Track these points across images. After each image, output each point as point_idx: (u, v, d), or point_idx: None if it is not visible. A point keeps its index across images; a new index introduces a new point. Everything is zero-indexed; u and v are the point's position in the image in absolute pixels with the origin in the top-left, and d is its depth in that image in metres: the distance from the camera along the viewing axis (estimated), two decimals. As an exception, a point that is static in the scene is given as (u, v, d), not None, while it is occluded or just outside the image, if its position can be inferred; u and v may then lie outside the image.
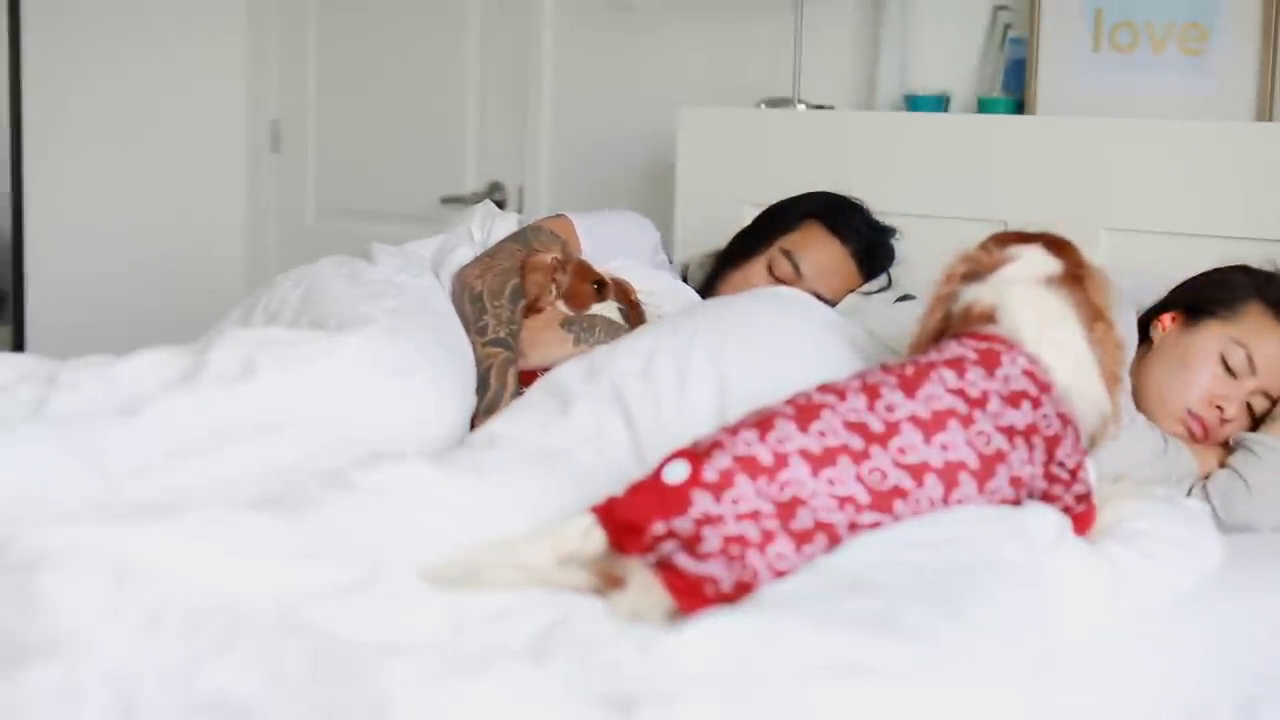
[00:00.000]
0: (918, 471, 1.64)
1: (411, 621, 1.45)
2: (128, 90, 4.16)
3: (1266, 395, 2.24)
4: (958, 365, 1.73)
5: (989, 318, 1.82)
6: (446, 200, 3.96)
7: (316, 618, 1.42)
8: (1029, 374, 1.76)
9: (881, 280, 2.75)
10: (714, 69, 3.53)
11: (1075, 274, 1.87)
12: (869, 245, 2.75)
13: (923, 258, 2.90)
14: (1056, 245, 1.90)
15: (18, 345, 3.93)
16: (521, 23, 3.83)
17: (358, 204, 4.22)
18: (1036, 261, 1.87)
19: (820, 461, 1.60)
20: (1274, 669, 1.78)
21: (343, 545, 1.58)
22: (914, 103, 3.15)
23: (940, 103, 3.14)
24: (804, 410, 1.65)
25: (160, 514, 1.54)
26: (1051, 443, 1.75)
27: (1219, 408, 2.22)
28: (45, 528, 1.47)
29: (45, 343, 3.94)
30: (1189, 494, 2.17)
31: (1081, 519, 1.81)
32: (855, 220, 2.76)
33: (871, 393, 1.68)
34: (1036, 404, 1.74)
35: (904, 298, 2.66)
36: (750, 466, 1.57)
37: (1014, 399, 1.73)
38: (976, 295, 1.86)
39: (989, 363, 1.75)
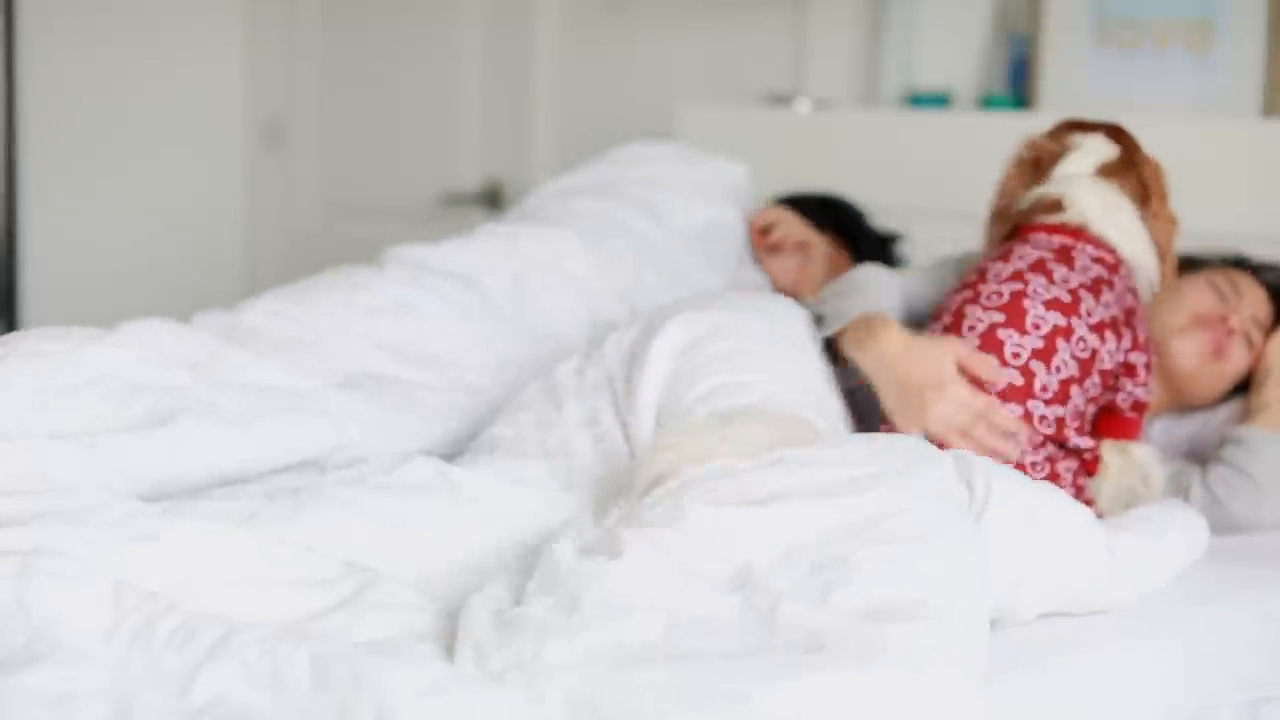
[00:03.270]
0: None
1: (414, 625, 1.43)
2: (124, 87, 4.14)
3: (1260, 325, 2.31)
4: (1042, 269, 1.97)
5: (1056, 206, 2.06)
6: (446, 198, 3.94)
7: (316, 624, 1.41)
8: (1099, 260, 2.01)
9: None
10: (715, 65, 3.52)
11: (1130, 159, 2.10)
12: (873, 251, 2.79)
13: (925, 255, 2.90)
14: (1115, 133, 2.14)
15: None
16: (521, 19, 3.82)
17: (357, 202, 4.21)
18: (1095, 149, 2.11)
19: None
20: (1276, 671, 1.78)
21: (345, 549, 1.57)
22: (916, 100, 3.14)
23: (942, 100, 3.13)
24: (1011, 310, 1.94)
25: (160, 524, 1.52)
26: (1130, 315, 2.01)
27: (1222, 319, 2.29)
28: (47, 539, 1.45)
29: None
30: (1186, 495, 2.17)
31: (1130, 426, 2.02)
32: (861, 227, 2.82)
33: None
34: (1110, 285, 2.00)
35: None
36: None
37: (1095, 287, 1.97)
38: (1042, 191, 2.09)
39: (1067, 259, 1.99)
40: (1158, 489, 2.04)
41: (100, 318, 4.05)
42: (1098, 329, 1.96)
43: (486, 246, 2.48)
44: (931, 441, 1.78)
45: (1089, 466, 1.96)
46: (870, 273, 2.24)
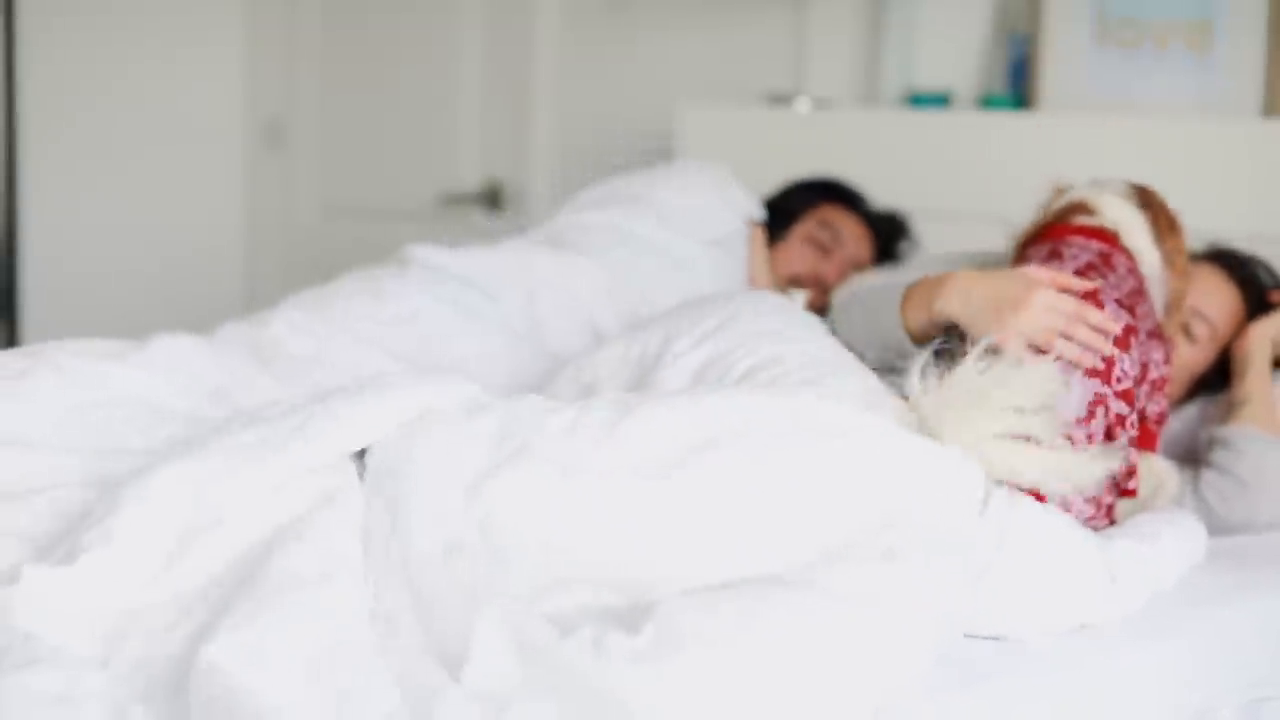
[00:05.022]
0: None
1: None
2: (124, 87, 4.14)
3: (1203, 318, 2.30)
4: (1097, 270, 1.96)
5: (1086, 209, 2.08)
6: (446, 198, 3.94)
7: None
8: (1132, 272, 2.01)
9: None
10: (715, 65, 3.52)
11: (1147, 198, 2.14)
12: (880, 224, 2.86)
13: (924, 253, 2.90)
14: (1138, 186, 2.17)
15: (13, 346, 3.91)
16: (521, 19, 3.82)
17: (357, 202, 4.21)
18: (1112, 182, 2.16)
19: None
20: (1276, 671, 1.78)
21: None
22: (916, 99, 3.14)
23: (943, 100, 3.13)
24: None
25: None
26: (1159, 328, 2.00)
27: None
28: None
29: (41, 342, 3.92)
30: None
31: (1154, 439, 1.98)
32: (863, 201, 2.88)
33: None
34: (1145, 298, 2.00)
35: None
36: None
37: (1136, 297, 1.97)
38: (1071, 195, 2.14)
39: (1109, 264, 1.99)
40: (1167, 499, 2.04)
41: (100, 318, 4.07)
42: (1150, 336, 1.94)
43: (506, 259, 2.52)
44: (1030, 348, 1.78)
45: (1124, 488, 1.91)
46: (880, 277, 2.23)
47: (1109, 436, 1.85)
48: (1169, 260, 2.10)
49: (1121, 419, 1.84)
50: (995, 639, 1.64)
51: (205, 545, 1.45)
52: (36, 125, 3.94)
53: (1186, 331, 2.30)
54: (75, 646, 1.33)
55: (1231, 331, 2.33)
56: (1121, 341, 1.84)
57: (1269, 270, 2.39)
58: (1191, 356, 2.31)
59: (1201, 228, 2.46)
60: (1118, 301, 1.91)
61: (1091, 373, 1.80)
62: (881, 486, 1.55)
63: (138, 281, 4.18)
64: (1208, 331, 2.30)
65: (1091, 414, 1.80)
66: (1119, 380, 1.82)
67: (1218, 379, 2.36)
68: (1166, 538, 1.82)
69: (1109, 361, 1.81)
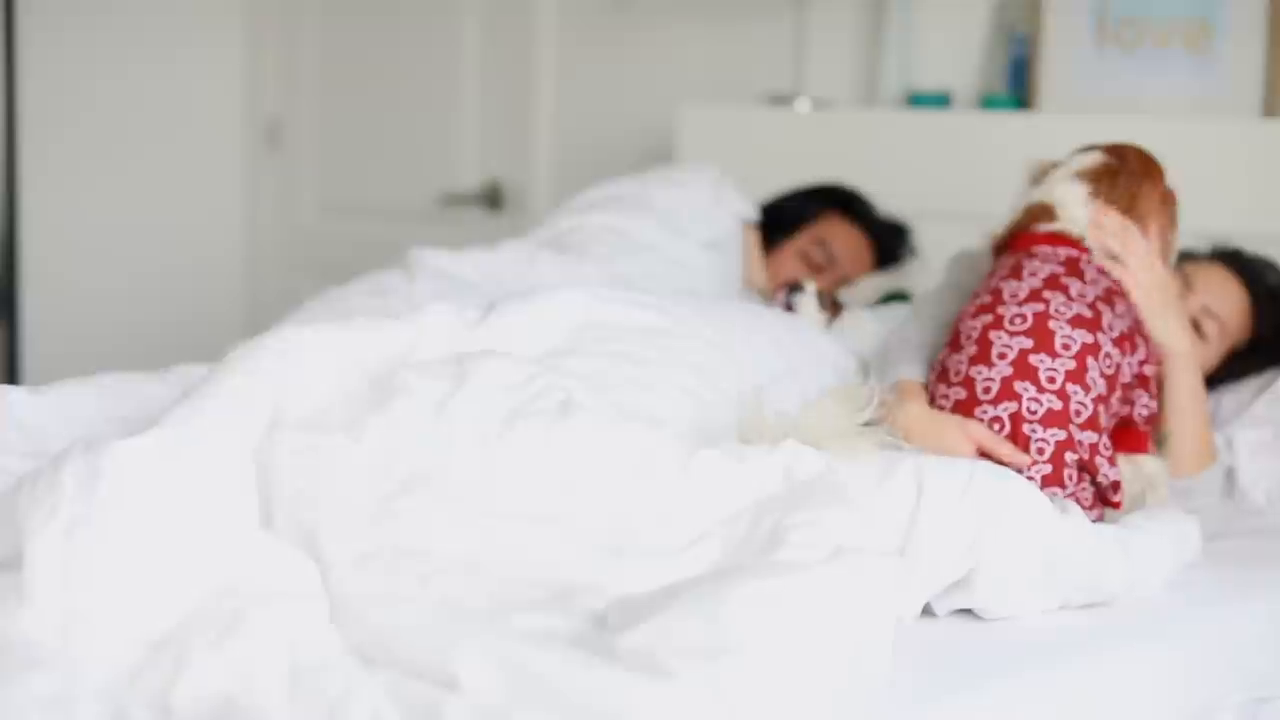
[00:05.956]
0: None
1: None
2: (124, 87, 4.14)
3: (1213, 316, 2.30)
4: (1058, 285, 1.95)
5: (1049, 213, 2.06)
6: (446, 198, 3.94)
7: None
8: (1104, 272, 2.01)
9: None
10: (715, 66, 3.52)
11: (1111, 168, 2.09)
12: (883, 233, 2.88)
13: (924, 255, 2.91)
14: (1117, 150, 2.13)
15: (13, 346, 3.91)
16: (521, 19, 3.82)
17: (357, 202, 4.21)
18: (1080, 158, 2.12)
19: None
20: (1277, 671, 1.78)
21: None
22: (916, 100, 3.14)
23: (943, 100, 3.13)
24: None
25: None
26: (1139, 325, 2.01)
27: None
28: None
29: (42, 343, 3.93)
30: None
31: (1143, 439, 2.00)
32: (868, 209, 2.89)
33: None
34: (1120, 296, 2.00)
35: (891, 297, 2.69)
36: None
37: (1108, 299, 1.97)
38: (1033, 196, 2.11)
39: (1076, 271, 1.98)
40: (1159, 499, 2.04)
41: (100, 318, 4.07)
42: (1119, 343, 1.94)
43: (509, 263, 2.56)
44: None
45: (1109, 499, 1.91)
46: (907, 330, 2.21)
47: (1086, 469, 1.86)
48: (1139, 217, 2.09)
49: (1094, 447, 1.87)
50: (975, 610, 1.66)
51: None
52: (36, 125, 3.94)
53: (1197, 329, 2.30)
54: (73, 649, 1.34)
55: (1240, 330, 2.34)
56: (1075, 375, 1.88)
57: (1276, 270, 2.40)
58: (1201, 354, 2.31)
59: (1202, 227, 2.46)
60: (1075, 319, 1.92)
61: (1048, 421, 1.85)
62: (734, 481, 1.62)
63: (138, 282, 4.18)
64: (1217, 329, 2.31)
65: (1060, 461, 1.84)
66: (1078, 413, 1.87)
67: (1226, 376, 2.37)
68: (1154, 533, 1.82)
69: (1064, 397, 1.86)
